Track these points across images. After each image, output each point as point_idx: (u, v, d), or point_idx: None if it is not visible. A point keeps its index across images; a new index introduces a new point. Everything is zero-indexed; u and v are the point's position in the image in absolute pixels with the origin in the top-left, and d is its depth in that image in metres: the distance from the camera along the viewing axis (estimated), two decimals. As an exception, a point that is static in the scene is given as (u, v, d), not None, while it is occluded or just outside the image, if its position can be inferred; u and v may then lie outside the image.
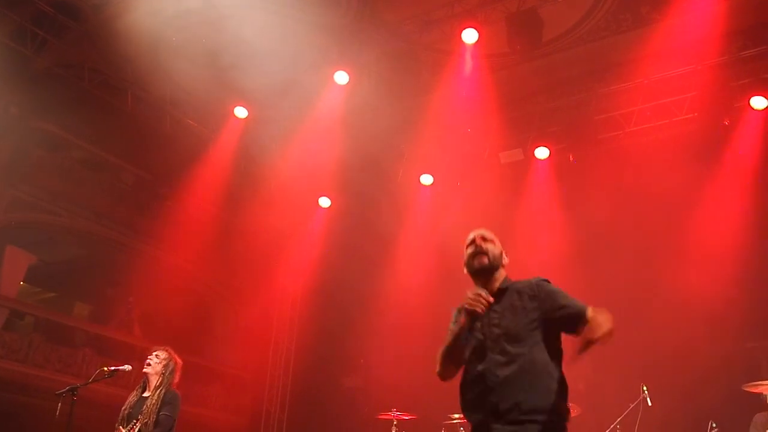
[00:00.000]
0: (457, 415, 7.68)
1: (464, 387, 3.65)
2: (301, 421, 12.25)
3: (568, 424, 3.47)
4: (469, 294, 3.62)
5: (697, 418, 7.07)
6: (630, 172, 10.07)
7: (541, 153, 11.01)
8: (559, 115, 10.81)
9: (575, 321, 3.46)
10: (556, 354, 3.57)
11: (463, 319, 3.67)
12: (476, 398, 3.53)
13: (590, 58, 10.21)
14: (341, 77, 10.63)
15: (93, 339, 12.44)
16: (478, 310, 3.57)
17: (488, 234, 3.88)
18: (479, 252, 3.80)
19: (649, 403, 7.22)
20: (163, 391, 5.97)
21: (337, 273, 12.45)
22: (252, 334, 13.12)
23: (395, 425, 8.26)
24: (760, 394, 7.01)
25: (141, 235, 12.61)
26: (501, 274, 3.84)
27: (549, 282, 3.73)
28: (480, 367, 3.54)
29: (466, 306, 3.61)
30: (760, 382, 6.75)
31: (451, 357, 3.75)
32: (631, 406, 7.40)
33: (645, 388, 7.34)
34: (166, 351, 6.25)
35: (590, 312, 3.45)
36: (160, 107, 11.49)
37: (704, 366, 8.79)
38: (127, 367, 6.12)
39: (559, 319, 3.55)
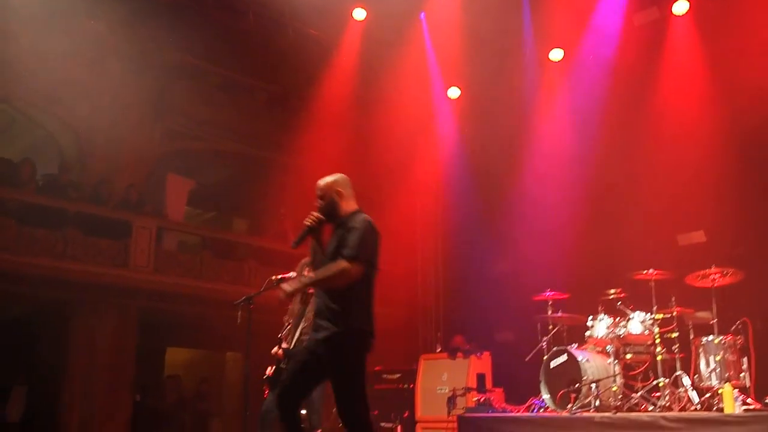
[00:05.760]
0: (613, 290, 7.65)
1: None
2: (456, 310, 12.58)
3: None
4: None
5: None
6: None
7: (680, 8, 10.27)
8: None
9: None
10: None
11: None
12: None
13: None
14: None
15: (254, 251, 13.29)
16: None
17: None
18: None
19: None
20: None
21: (476, 160, 12.44)
22: (398, 230, 13.43)
23: (550, 305, 8.34)
24: None
25: (282, 149, 13.11)
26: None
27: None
28: None
29: None
30: None
31: None
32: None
33: None
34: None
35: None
36: (281, 21, 11.66)
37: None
38: (292, 274, 6.53)
39: None
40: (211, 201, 15.47)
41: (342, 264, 4.42)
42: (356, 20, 11.52)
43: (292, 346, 6.32)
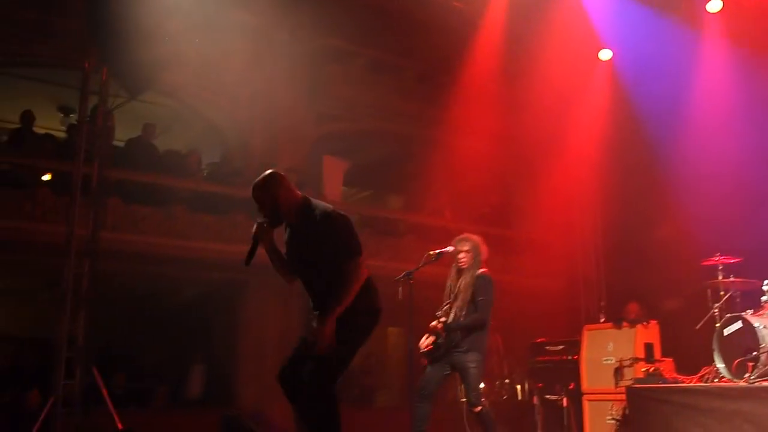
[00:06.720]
0: (792, 252, 7.11)
1: None
2: (619, 279, 12.18)
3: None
4: None
5: None
6: None
7: None
8: None
9: None
10: None
11: None
12: None
13: None
14: None
15: (411, 227, 13.46)
16: None
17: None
18: None
19: None
20: (474, 276, 6.36)
21: (632, 123, 11.92)
22: (554, 198, 13.19)
23: (721, 270, 7.87)
24: None
25: (432, 126, 13.16)
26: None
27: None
28: None
29: None
30: None
31: None
32: None
33: None
34: (470, 239, 6.58)
35: None
36: (423, -2, 11.67)
37: None
38: (450, 249, 6.58)
39: None
40: (366, 180, 15.82)
41: (352, 269, 4.57)
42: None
43: (450, 320, 6.38)
